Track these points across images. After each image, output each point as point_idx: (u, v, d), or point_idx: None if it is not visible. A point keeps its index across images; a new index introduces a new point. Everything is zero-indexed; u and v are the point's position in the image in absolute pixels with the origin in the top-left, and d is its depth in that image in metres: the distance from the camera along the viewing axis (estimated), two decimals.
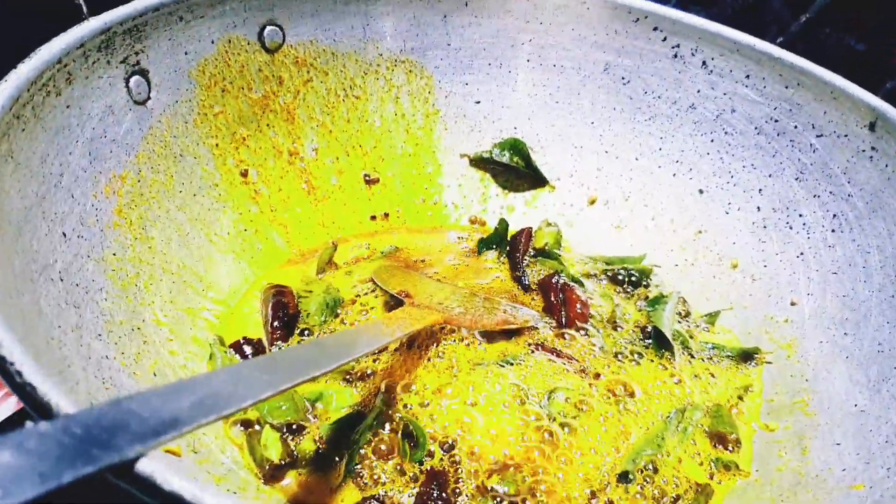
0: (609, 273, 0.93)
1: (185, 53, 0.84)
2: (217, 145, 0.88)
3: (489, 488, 0.67)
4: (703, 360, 0.84)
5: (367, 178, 0.98)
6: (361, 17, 0.96)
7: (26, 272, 0.61)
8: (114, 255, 0.73)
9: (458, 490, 0.67)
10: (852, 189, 0.85)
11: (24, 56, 0.67)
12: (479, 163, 1.03)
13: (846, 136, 0.86)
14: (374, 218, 0.99)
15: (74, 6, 0.86)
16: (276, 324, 0.80)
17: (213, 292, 0.83)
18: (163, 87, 0.82)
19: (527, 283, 0.90)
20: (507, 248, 0.95)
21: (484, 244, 0.96)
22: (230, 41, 0.87)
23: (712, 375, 0.82)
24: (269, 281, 0.86)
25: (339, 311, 0.83)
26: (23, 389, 0.44)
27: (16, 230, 0.61)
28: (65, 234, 0.68)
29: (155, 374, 0.69)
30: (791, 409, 0.78)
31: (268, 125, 0.92)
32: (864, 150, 0.84)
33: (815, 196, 0.88)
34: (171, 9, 0.81)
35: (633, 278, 0.92)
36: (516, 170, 1.02)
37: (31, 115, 0.65)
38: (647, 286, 0.92)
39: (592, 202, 1.02)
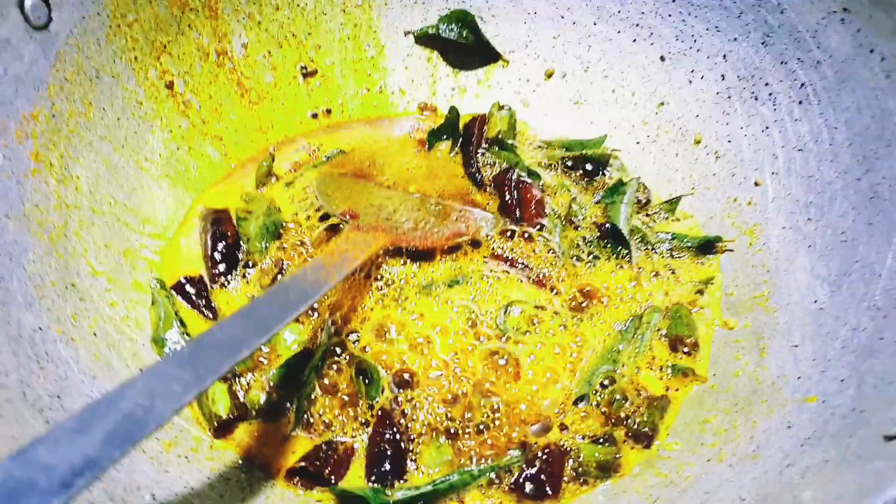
0: (567, 161, 0.88)
1: None
2: (136, 58, 0.81)
3: (441, 425, 0.67)
4: (662, 255, 0.81)
5: (303, 70, 0.92)
6: None
7: None
8: (36, 206, 0.69)
9: (409, 428, 0.67)
10: (822, 56, 0.79)
11: None
12: (425, 40, 0.95)
13: None
14: (315, 116, 0.93)
15: None
16: (216, 257, 0.77)
17: (150, 226, 0.79)
18: (64, 4, 0.74)
19: (481, 179, 0.86)
20: (460, 139, 0.90)
21: (434, 136, 0.91)
22: None
23: (672, 272, 0.80)
24: (207, 204, 0.82)
25: (280, 232, 0.80)
26: None
27: None
28: None
29: (95, 335, 0.68)
30: (751, 305, 0.77)
31: (189, 26, 0.85)
32: (835, 12, 0.77)
33: (782, 63, 0.82)
34: None
35: (591, 167, 0.88)
36: (466, 45, 0.94)
37: None
38: (606, 174, 0.88)
39: (549, 75, 0.95)
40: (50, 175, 0.72)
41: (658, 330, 0.75)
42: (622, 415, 0.69)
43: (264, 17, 0.89)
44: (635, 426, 0.69)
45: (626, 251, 0.80)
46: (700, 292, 0.79)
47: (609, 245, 0.81)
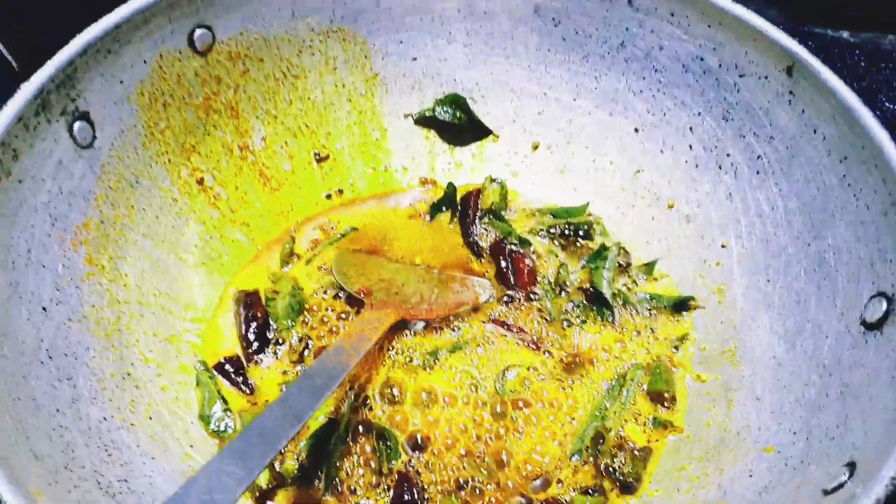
0: (554, 229, 0.99)
1: (121, 82, 0.85)
2: (169, 160, 0.92)
3: (453, 482, 0.77)
4: (642, 315, 0.92)
5: (317, 156, 1.03)
6: None
7: (18, 369, 0.68)
8: (92, 307, 0.80)
9: (425, 487, 0.78)
10: (773, 132, 0.89)
11: None
12: (424, 121, 1.06)
13: (766, 77, 0.89)
14: (329, 196, 1.04)
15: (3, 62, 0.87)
16: (249, 337, 0.88)
17: (191, 311, 0.90)
18: (106, 122, 0.84)
19: (478, 248, 0.97)
20: (458, 211, 1.01)
21: (435, 209, 1.02)
22: (161, 56, 0.88)
23: (652, 330, 0.91)
24: (238, 286, 0.94)
25: (304, 309, 0.91)
26: None
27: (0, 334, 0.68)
28: (44, 309, 0.75)
29: (150, 418, 0.79)
30: (721, 359, 0.87)
31: (214, 126, 0.95)
32: (782, 94, 0.87)
33: (741, 136, 0.92)
34: (97, 47, 0.81)
35: (579, 233, 0.99)
36: (460, 125, 1.05)
37: None
38: (590, 238, 0.99)
39: (535, 147, 1.06)
40: (102, 276, 0.83)
41: (640, 385, 0.86)
42: (610, 467, 0.80)
43: (279, 111, 1.00)
44: (622, 477, 0.79)
45: (610, 313, 0.91)
46: (676, 348, 0.90)
47: (594, 308, 0.92)
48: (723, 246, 0.93)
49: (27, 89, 0.76)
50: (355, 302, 0.91)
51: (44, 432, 0.67)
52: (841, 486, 0.63)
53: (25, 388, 0.68)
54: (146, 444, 0.76)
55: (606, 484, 0.80)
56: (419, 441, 0.80)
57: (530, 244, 0.97)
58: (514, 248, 0.96)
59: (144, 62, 0.87)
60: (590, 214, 1.02)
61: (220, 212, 0.96)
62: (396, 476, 0.78)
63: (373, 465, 0.79)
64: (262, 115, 0.99)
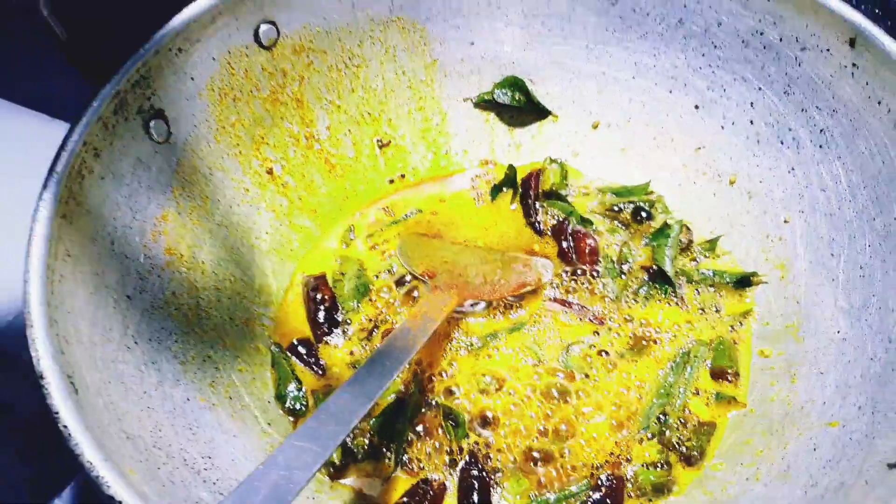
0: (616, 207, 1.00)
1: (192, 79, 0.89)
2: (241, 152, 0.95)
3: (520, 459, 0.80)
4: (706, 291, 0.93)
5: (379, 142, 1.05)
6: None
7: (108, 355, 0.73)
8: (173, 294, 0.85)
9: (492, 463, 0.80)
10: (836, 105, 0.88)
11: None
12: (483, 105, 1.08)
13: (828, 50, 0.88)
14: (391, 181, 1.06)
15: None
16: (319, 318, 0.92)
17: (265, 296, 0.94)
18: (180, 119, 0.88)
19: (540, 228, 0.99)
20: (519, 192, 1.02)
21: (496, 190, 1.04)
22: (230, 52, 0.92)
23: (716, 308, 0.92)
24: (306, 270, 0.97)
25: (370, 289, 0.94)
26: None
27: (90, 322, 0.72)
28: (129, 297, 0.79)
29: (230, 398, 0.83)
30: (784, 334, 0.87)
31: (281, 118, 0.99)
32: (845, 66, 0.87)
33: (802, 110, 0.92)
34: (169, 46, 0.85)
35: (641, 214, 0.99)
36: (519, 107, 1.06)
37: (74, 206, 0.74)
38: (651, 218, 1.00)
39: (595, 127, 1.06)
40: (181, 264, 0.87)
41: (704, 362, 0.87)
42: (675, 441, 0.81)
43: (343, 101, 1.02)
44: (686, 450, 0.81)
45: (673, 291, 0.92)
46: (740, 323, 0.90)
47: (658, 286, 0.93)
48: (785, 221, 0.93)
49: (106, 90, 0.80)
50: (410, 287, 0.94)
51: (133, 414, 0.71)
52: None
53: (115, 372, 0.72)
54: (227, 424, 0.80)
55: (672, 458, 0.81)
56: (487, 418, 0.83)
57: (592, 223, 0.99)
58: (575, 227, 0.97)
59: (213, 59, 0.90)
60: (651, 192, 1.02)
61: (288, 199, 0.99)
62: (464, 453, 0.81)
63: (440, 443, 0.82)
64: (326, 105, 1.02)
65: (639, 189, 1.02)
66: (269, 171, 0.98)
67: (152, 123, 0.85)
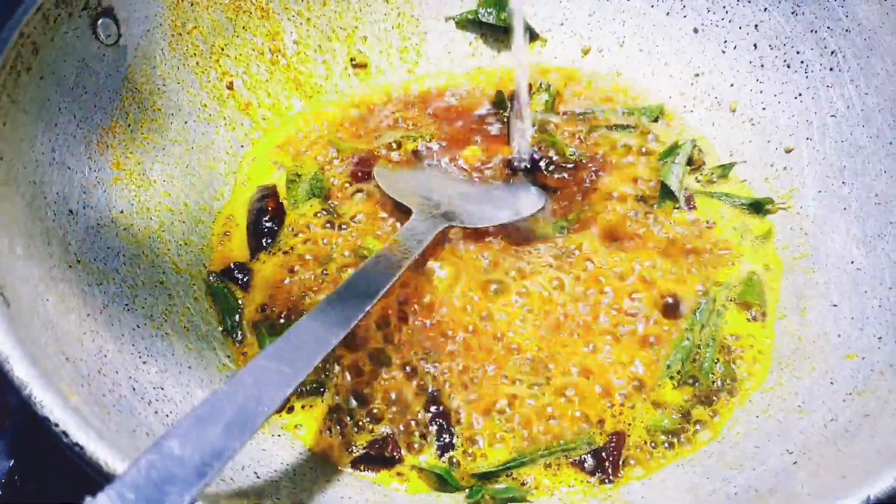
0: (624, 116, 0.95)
1: None
2: (198, 63, 0.87)
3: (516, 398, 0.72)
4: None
5: (353, 62, 0.96)
6: None
7: (46, 272, 0.64)
8: (121, 212, 0.76)
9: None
10: (850, 24, 0.82)
11: None
12: (466, 25, 1.00)
13: None
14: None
15: None
16: (260, 231, 0.84)
17: (222, 222, 0.85)
18: (131, 20, 0.80)
19: (526, 157, 0.91)
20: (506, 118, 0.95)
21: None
22: None
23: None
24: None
25: (327, 195, 0.86)
26: (71, 449, 0.49)
27: (25, 229, 0.63)
28: (71, 212, 0.70)
29: (185, 328, 0.74)
30: (791, 266, 0.81)
31: (244, 28, 0.90)
32: None
33: (812, 31, 0.85)
34: None
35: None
36: (504, 27, 0.98)
37: (7, 102, 0.64)
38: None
39: (586, 52, 0.99)
40: (130, 181, 0.78)
41: (730, 299, 0.79)
42: (701, 380, 0.74)
43: (313, 13, 0.94)
44: (715, 386, 0.73)
45: (677, 207, 0.84)
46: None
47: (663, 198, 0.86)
48: (791, 149, 0.86)
49: None
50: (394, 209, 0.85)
51: (75, 335, 0.62)
52: None
53: (55, 291, 0.63)
54: (181, 354, 0.72)
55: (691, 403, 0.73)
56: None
57: (575, 152, 0.91)
58: (558, 157, 0.90)
59: None
60: (665, 108, 0.95)
61: (250, 118, 0.90)
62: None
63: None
64: (294, 17, 0.93)
65: (651, 108, 0.95)
66: (230, 86, 0.89)
67: (100, 22, 0.76)
